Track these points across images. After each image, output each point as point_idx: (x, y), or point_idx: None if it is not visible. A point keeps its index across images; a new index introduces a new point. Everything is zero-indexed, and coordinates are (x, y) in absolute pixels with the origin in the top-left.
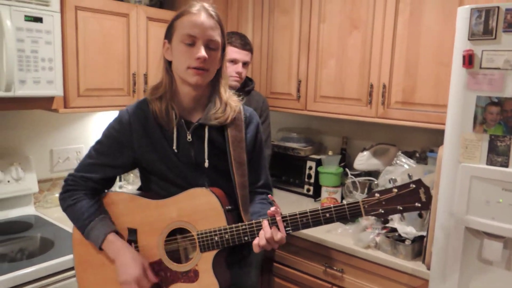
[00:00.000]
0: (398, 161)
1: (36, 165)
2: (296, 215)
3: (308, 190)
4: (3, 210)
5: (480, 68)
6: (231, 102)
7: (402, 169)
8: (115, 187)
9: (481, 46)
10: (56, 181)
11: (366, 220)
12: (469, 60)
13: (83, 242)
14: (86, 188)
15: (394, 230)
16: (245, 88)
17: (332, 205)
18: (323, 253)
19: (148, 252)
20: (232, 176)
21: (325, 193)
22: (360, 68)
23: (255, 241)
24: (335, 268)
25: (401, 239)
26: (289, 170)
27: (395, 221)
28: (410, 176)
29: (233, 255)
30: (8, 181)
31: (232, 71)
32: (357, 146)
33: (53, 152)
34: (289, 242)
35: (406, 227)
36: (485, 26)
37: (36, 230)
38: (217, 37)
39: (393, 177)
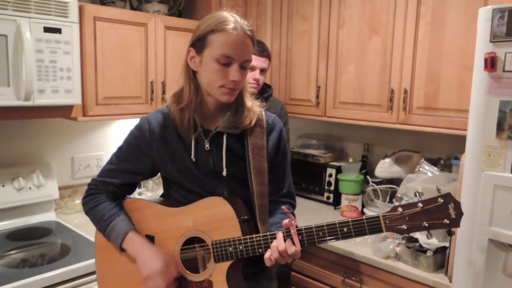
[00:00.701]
0: (421, 169)
1: (58, 172)
2: (312, 228)
3: (328, 197)
4: (25, 216)
5: (504, 71)
6: (254, 108)
7: (425, 177)
8: (135, 194)
9: (504, 48)
10: (77, 188)
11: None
12: (491, 63)
13: (105, 247)
14: (107, 192)
15: (415, 240)
16: (263, 94)
17: (350, 219)
18: (342, 263)
19: None
20: (250, 185)
21: (345, 201)
22: (380, 73)
23: (267, 255)
24: (353, 278)
25: (422, 250)
26: (308, 177)
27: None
28: (438, 190)
29: (251, 266)
30: (30, 188)
31: (249, 78)
32: (379, 153)
33: (74, 159)
34: (306, 251)
35: (426, 237)
36: (508, 27)
37: (55, 236)
38: (250, 55)
39: (420, 190)
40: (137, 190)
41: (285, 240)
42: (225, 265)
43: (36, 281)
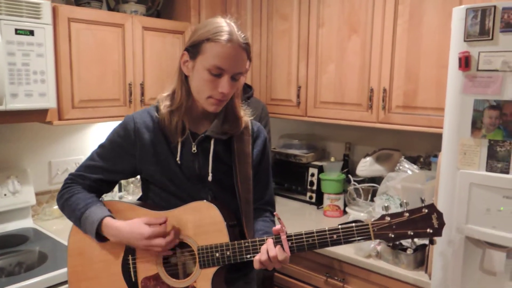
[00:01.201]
0: (401, 167)
1: (35, 177)
2: (302, 235)
3: (311, 197)
4: (1, 224)
5: (477, 70)
6: (244, 116)
7: (405, 175)
8: (115, 198)
9: (478, 47)
10: (55, 193)
11: None
12: (465, 62)
13: (78, 252)
14: (83, 185)
15: None
16: (244, 95)
17: (340, 226)
18: (324, 262)
19: (146, 265)
20: (236, 191)
21: (327, 200)
22: (360, 73)
23: (257, 257)
24: (336, 278)
25: (403, 248)
26: (291, 177)
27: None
28: (422, 200)
29: (231, 272)
30: (5, 195)
31: None
32: (360, 152)
33: (51, 164)
34: None
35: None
36: (481, 26)
37: (33, 244)
38: (243, 68)
39: (405, 201)
40: (118, 194)
41: (275, 246)
42: (210, 271)
43: None
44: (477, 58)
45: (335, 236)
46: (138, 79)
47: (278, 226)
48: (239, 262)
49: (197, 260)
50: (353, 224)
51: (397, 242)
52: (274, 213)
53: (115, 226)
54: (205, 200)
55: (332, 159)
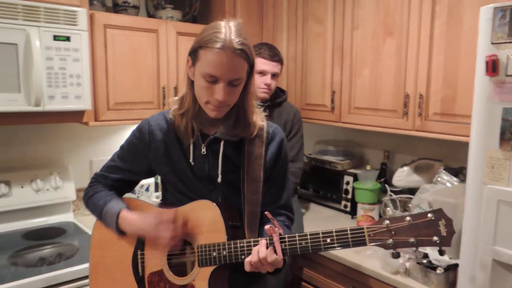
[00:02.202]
0: (439, 179)
1: (77, 175)
2: (295, 237)
3: (346, 206)
4: (43, 217)
5: (506, 75)
6: (256, 120)
7: (440, 188)
8: (152, 197)
9: (507, 50)
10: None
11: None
12: (492, 66)
13: (99, 246)
14: (105, 184)
15: (427, 256)
16: (276, 99)
17: (334, 230)
18: (350, 275)
19: (152, 261)
20: (241, 192)
21: (361, 210)
22: (395, 77)
23: (247, 258)
24: None
25: (433, 267)
26: (326, 185)
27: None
28: (430, 204)
29: (244, 274)
30: (48, 190)
31: (260, 83)
32: (400, 160)
33: (92, 162)
34: (316, 261)
35: (438, 254)
36: (510, 27)
37: (69, 237)
38: (240, 73)
39: (430, 200)
40: (154, 193)
41: (267, 247)
42: (208, 270)
43: (34, 281)
44: (505, 62)
45: (328, 239)
46: (172, 82)
47: (267, 226)
48: (241, 265)
49: (196, 258)
50: (348, 228)
51: (397, 251)
52: (265, 212)
53: (129, 218)
54: (207, 200)
55: (368, 167)
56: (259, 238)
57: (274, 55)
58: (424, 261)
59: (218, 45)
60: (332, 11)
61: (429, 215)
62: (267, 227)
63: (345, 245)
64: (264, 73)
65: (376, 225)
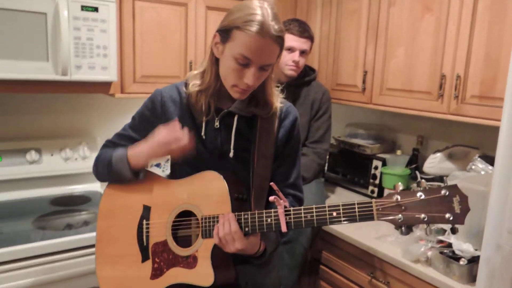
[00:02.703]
0: (473, 166)
1: None
2: (300, 210)
3: (373, 191)
4: (71, 185)
5: None
6: (274, 101)
7: (470, 175)
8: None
9: None
10: None
11: (421, 231)
12: None
13: (106, 215)
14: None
15: (451, 245)
16: (305, 78)
17: (341, 203)
18: (370, 261)
19: (157, 231)
20: (251, 166)
21: None
22: (431, 57)
23: (215, 230)
24: (380, 280)
25: (456, 257)
26: (354, 169)
27: (452, 235)
28: (444, 180)
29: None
30: (76, 159)
31: (288, 60)
32: (434, 147)
33: None
34: (335, 245)
35: (462, 244)
36: None
37: (93, 206)
38: (273, 59)
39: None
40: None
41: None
42: (211, 242)
43: (57, 243)
44: None
45: (334, 213)
46: (200, 57)
47: (272, 198)
48: None
49: (200, 229)
50: (355, 201)
51: (410, 228)
52: (271, 183)
53: (136, 149)
54: (214, 171)
55: (398, 152)
56: (263, 211)
57: (304, 31)
58: (447, 250)
59: (256, 29)
60: None
61: (442, 191)
62: (271, 198)
63: (351, 219)
64: (292, 50)
65: (385, 199)
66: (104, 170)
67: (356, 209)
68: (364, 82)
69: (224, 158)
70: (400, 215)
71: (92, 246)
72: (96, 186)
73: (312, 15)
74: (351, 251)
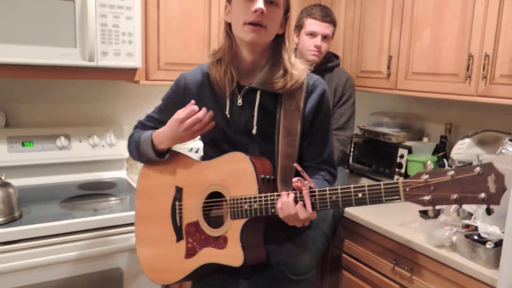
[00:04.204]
0: (503, 150)
1: None
2: (325, 190)
3: None
4: (98, 171)
5: None
6: (293, 71)
7: (502, 156)
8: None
9: None
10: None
11: (446, 215)
12: None
13: (143, 195)
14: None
15: (477, 229)
16: (328, 64)
17: (366, 184)
18: (392, 247)
19: (189, 212)
20: (276, 144)
21: None
22: (458, 37)
23: (278, 204)
24: (404, 267)
25: (482, 241)
26: (379, 158)
27: (479, 218)
28: (478, 158)
29: (283, 230)
30: (103, 146)
31: (310, 45)
32: (464, 134)
33: None
34: (358, 233)
35: (488, 226)
36: None
37: (119, 192)
38: None
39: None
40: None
41: (296, 202)
42: (240, 223)
43: (82, 222)
44: None
45: (360, 194)
46: None
47: (295, 179)
48: (278, 220)
49: (229, 211)
50: (381, 183)
51: (438, 208)
52: (294, 164)
53: (159, 132)
54: (240, 152)
55: (425, 139)
56: (290, 192)
57: (326, 16)
58: (473, 233)
59: None
60: None
61: (476, 169)
62: (295, 179)
63: (377, 200)
64: (314, 35)
65: (412, 180)
66: (134, 150)
67: (382, 190)
68: (389, 67)
69: (249, 137)
70: (428, 196)
71: (116, 226)
72: (122, 173)
73: (336, 3)
74: (374, 238)
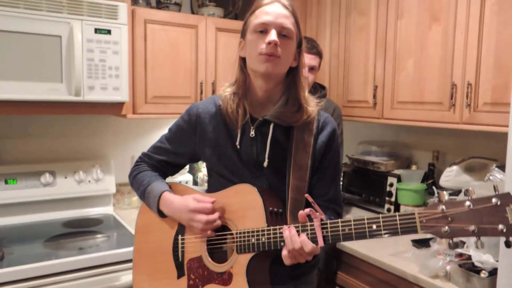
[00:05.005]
0: (491, 177)
1: (118, 169)
2: (337, 222)
3: (389, 210)
4: (84, 208)
5: None
6: (307, 107)
7: (486, 184)
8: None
9: None
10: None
11: (439, 245)
12: None
13: (143, 231)
14: (150, 165)
15: (471, 258)
16: (314, 95)
17: (381, 215)
18: (387, 279)
19: (192, 247)
20: (287, 177)
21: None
22: (441, 66)
23: (284, 251)
24: None
25: (476, 270)
26: (369, 187)
27: (471, 247)
28: (495, 188)
29: (289, 268)
30: (89, 181)
31: None
32: (451, 161)
33: (134, 158)
34: (351, 264)
35: (482, 255)
36: None
37: (106, 229)
38: (290, 25)
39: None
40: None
41: (299, 234)
42: (246, 257)
43: (66, 262)
44: None
45: (374, 226)
46: (210, 78)
47: (307, 210)
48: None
49: (235, 244)
50: (397, 214)
51: (456, 242)
52: (306, 195)
53: (170, 200)
54: (248, 184)
55: (414, 167)
56: (299, 224)
57: (312, 48)
58: (467, 263)
59: (266, 1)
60: (375, 1)
61: (493, 199)
62: (306, 210)
63: (393, 232)
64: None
65: (429, 210)
66: (138, 192)
67: (398, 221)
68: (374, 96)
69: (259, 169)
70: (446, 227)
71: (103, 265)
72: (109, 209)
73: (321, 34)
74: (367, 269)
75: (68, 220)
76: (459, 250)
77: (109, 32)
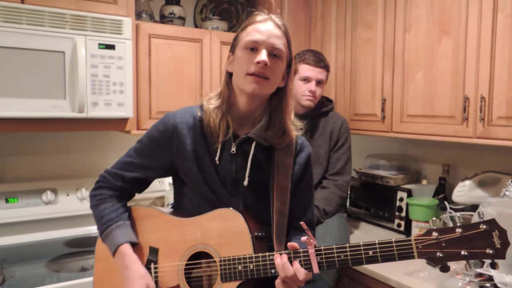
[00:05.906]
0: (507, 192)
1: None
2: (332, 249)
3: (399, 225)
4: (87, 226)
5: None
6: (290, 131)
7: (508, 200)
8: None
9: None
10: (139, 202)
11: (457, 264)
12: None
13: (104, 257)
14: (115, 188)
15: (491, 278)
16: (322, 108)
17: (377, 241)
18: None
19: (167, 275)
20: (271, 201)
21: (415, 229)
22: (452, 80)
23: (278, 280)
24: None
25: None
26: (378, 202)
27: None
28: (480, 215)
29: None
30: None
31: (305, 90)
32: (462, 175)
33: None
34: (363, 283)
35: (505, 276)
36: None
37: None
38: (282, 46)
39: (481, 211)
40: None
41: (291, 262)
42: (232, 286)
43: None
44: None
45: (370, 252)
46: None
47: (304, 238)
48: (270, 280)
49: (219, 272)
50: (393, 239)
51: (447, 264)
52: (301, 222)
53: (125, 261)
54: (231, 208)
55: (424, 182)
56: (287, 251)
57: (319, 61)
58: (488, 284)
59: (259, 18)
60: (382, 15)
61: (481, 225)
62: (303, 238)
63: (390, 258)
64: (308, 80)
65: (424, 237)
66: (97, 223)
67: (395, 248)
68: (383, 110)
69: (235, 187)
70: (440, 253)
71: None
72: None
73: (326, 48)
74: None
75: (70, 239)
76: (478, 270)
77: (113, 47)
